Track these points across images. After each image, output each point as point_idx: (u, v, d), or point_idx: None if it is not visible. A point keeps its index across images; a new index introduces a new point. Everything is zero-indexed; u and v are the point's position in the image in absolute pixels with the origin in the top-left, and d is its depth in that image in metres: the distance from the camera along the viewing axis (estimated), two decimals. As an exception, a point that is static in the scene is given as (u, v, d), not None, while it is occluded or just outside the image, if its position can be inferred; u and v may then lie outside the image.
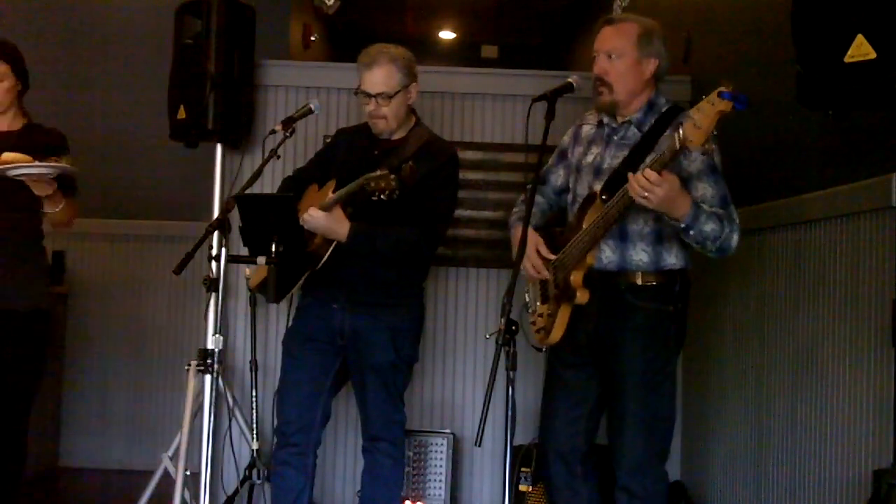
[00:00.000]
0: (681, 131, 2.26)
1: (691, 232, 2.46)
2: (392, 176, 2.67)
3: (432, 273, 3.66)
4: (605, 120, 2.78)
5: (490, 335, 2.41)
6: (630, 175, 2.39)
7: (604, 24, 2.73)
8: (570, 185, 2.86)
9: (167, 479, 3.45)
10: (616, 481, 2.66)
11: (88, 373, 4.89)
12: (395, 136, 3.06)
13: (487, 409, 2.21)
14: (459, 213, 3.63)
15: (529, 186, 2.59)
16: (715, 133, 2.24)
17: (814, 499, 2.67)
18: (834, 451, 2.57)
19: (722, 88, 2.15)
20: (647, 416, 2.64)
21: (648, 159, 2.58)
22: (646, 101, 2.71)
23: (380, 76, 2.96)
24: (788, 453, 2.84)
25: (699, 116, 2.21)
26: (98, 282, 4.93)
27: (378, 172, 2.70)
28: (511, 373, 2.37)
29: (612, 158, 2.70)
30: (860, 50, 1.92)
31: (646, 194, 2.36)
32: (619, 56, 2.67)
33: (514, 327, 2.34)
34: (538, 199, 2.93)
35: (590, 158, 2.77)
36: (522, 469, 3.46)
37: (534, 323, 2.82)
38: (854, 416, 2.47)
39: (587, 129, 2.86)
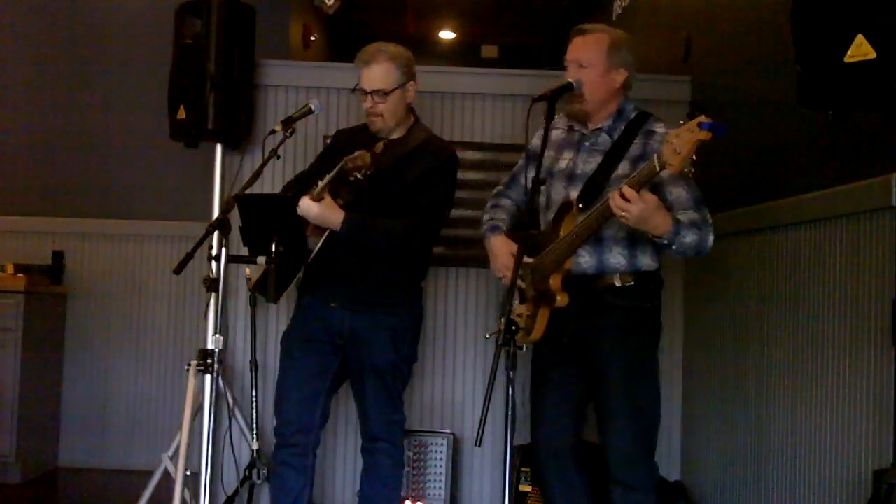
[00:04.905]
0: (657, 156, 2.30)
1: (673, 247, 2.52)
2: (367, 154, 2.76)
3: (432, 273, 3.66)
4: (576, 126, 2.82)
5: (490, 335, 2.42)
6: (610, 194, 2.44)
7: (575, 35, 2.79)
8: (543, 189, 2.88)
9: (167, 479, 3.45)
10: (609, 476, 2.69)
11: (88, 373, 4.89)
12: (394, 135, 3.06)
13: (487, 409, 2.21)
14: (460, 213, 3.62)
15: (529, 186, 2.60)
16: (693, 158, 2.28)
17: (814, 499, 2.67)
18: (834, 451, 2.57)
19: (701, 119, 2.21)
20: (632, 409, 2.68)
21: (620, 167, 2.65)
22: (615, 109, 2.77)
23: (378, 73, 2.97)
24: (788, 453, 2.84)
25: (679, 142, 2.24)
26: (98, 282, 4.93)
27: (354, 154, 2.78)
28: (511, 373, 2.37)
29: (585, 164, 2.76)
30: (860, 50, 1.91)
31: (623, 213, 2.41)
32: (590, 66, 2.72)
33: (513, 327, 2.35)
34: (506, 202, 3.01)
35: (563, 164, 2.81)
36: (522, 469, 3.46)
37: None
38: (854, 416, 2.47)
39: (557, 133, 2.90)
